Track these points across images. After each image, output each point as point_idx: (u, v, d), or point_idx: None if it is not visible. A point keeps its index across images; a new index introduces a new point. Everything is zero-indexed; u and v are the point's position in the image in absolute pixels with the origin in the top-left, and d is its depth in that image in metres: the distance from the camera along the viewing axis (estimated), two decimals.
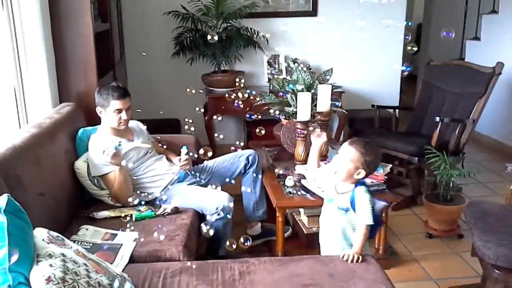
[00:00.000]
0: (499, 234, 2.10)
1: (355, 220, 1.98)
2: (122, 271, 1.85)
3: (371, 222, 1.94)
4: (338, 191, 2.03)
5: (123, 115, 2.55)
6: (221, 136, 2.42)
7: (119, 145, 2.49)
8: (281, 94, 3.16)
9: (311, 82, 3.10)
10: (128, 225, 2.21)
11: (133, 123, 2.78)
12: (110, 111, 2.53)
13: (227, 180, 2.63)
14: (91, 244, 2.10)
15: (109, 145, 2.44)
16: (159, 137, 3.00)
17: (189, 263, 1.95)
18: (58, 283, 1.37)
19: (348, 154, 1.96)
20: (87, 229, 2.25)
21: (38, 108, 2.73)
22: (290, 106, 3.10)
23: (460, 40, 5.84)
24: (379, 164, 2.14)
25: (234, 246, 1.79)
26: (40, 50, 2.67)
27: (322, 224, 2.13)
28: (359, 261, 1.90)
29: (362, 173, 1.96)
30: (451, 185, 3.05)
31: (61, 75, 2.91)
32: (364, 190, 1.98)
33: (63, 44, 2.89)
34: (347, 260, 1.91)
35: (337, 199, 2.02)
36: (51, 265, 1.42)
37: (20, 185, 1.95)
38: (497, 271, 2.02)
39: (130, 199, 2.32)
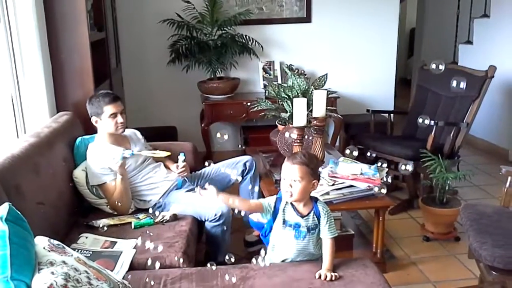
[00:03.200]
0: (495, 235, 2.13)
1: (317, 237, 1.97)
2: (123, 278, 1.86)
3: (336, 234, 1.96)
4: (302, 213, 1.94)
5: (119, 119, 2.56)
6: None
7: (132, 154, 2.49)
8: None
9: (306, 87, 3.13)
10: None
11: (129, 132, 2.80)
12: (105, 117, 2.54)
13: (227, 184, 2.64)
14: (91, 252, 2.11)
15: (117, 154, 2.45)
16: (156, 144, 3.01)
17: (189, 269, 1.96)
18: None
19: (296, 174, 1.88)
20: (86, 237, 2.25)
21: (36, 117, 2.74)
22: (286, 112, 3.13)
23: (452, 44, 5.90)
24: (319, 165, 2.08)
25: (233, 260, 1.87)
26: (37, 60, 2.68)
27: (284, 252, 2.01)
28: (337, 278, 1.87)
29: (316, 182, 1.93)
30: (447, 188, 3.08)
31: (58, 84, 2.92)
32: (323, 203, 1.99)
33: (60, 53, 2.91)
34: (325, 279, 1.86)
35: (304, 222, 1.93)
36: (52, 273, 1.43)
37: (19, 194, 1.95)
38: (494, 272, 2.04)
39: (132, 207, 2.33)
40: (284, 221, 1.95)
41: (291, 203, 1.95)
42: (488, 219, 2.29)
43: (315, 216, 1.94)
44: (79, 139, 2.69)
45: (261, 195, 2.91)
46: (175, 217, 2.46)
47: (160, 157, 2.61)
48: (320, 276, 1.87)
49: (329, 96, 3.07)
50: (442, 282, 2.68)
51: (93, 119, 2.59)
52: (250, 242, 2.96)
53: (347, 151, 2.75)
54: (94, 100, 2.57)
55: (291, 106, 3.04)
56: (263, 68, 4.61)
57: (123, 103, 2.89)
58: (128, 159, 2.54)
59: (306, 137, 2.65)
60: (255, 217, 2.20)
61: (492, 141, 4.99)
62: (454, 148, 3.55)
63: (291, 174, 1.88)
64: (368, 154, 3.09)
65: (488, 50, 4.91)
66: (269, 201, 1.99)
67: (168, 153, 2.57)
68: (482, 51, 5.02)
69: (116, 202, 2.51)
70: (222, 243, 2.55)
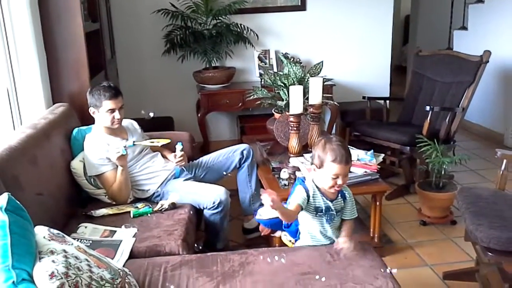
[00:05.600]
0: (491, 217, 2.15)
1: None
2: (123, 266, 1.87)
3: (356, 215, 2.04)
4: (331, 198, 1.98)
5: (116, 115, 2.56)
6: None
7: (133, 144, 2.51)
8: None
9: (302, 75, 3.13)
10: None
11: (127, 122, 2.80)
12: (103, 111, 2.54)
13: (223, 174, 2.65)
14: (90, 241, 2.12)
15: (119, 145, 2.46)
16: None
17: (188, 256, 1.98)
18: (62, 278, 1.39)
19: (347, 171, 1.92)
20: (86, 227, 2.26)
21: (32, 109, 2.73)
22: (282, 100, 3.14)
23: (447, 30, 5.90)
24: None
25: None
26: (31, 51, 2.67)
27: (322, 239, 2.03)
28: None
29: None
30: (443, 172, 3.10)
31: (54, 75, 2.91)
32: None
33: (55, 44, 2.90)
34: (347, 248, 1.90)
35: (333, 205, 1.97)
36: (53, 261, 1.44)
37: (18, 186, 1.96)
38: (490, 254, 2.07)
39: (131, 197, 2.34)
40: (316, 208, 1.96)
41: (319, 190, 1.96)
42: (484, 202, 2.31)
43: (341, 198, 2.00)
44: (76, 130, 2.69)
45: (258, 183, 2.93)
46: (173, 206, 2.47)
47: (160, 145, 2.62)
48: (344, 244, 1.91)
49: (325, 83, 3.09)
50: (439, 265, 2.71)
51: (91, 110, 2.58)
52: (248, 229, 2.99)
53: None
54: (95, 91, 2.55)
55: (287, 94, 3.05)
56: (259, 57, 4.60)
57: None
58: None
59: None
60: (265, 215, 2.20)
61: (487, 126, 5.01)
62: (450, 133, 3.57)
63: (343, 172, 1.89)
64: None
65: (483, 36, 4.92)
66: (301, 197, 1.94)
67: (168, 140, 2.61)
68: (477, 36, 5.03)
69: (115, 193, 2.52)
70: (221, 230, 2.57)
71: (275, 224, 2.18)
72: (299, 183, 2.00)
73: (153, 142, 2.61)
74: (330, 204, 1.97)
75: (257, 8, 4.57)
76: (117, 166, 2.50)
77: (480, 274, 2.41)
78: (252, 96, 3.33)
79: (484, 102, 4.81)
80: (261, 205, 2.92)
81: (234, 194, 2.84)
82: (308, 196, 1.94)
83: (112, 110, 2.54)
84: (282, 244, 2.62)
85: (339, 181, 1.90)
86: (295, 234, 2.13)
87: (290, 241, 2.19)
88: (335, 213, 1.99)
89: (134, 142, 2.54)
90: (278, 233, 2.32)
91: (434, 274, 2.64)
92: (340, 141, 1.92)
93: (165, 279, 1.82)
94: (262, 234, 2.39)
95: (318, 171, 1.93)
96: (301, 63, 4.43)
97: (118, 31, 4.36)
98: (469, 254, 2.77)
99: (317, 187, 1.97)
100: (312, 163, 1.97)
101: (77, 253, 1.56)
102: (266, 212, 2.17)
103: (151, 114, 2.46)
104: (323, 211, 1.97)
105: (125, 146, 2.46)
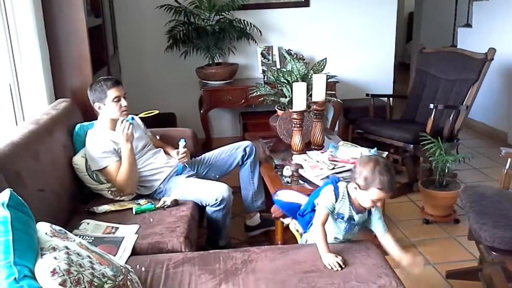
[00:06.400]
0: (495, 216, 2.13)
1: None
2: (125, 263, 1.87)
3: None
4: (359, 210, 1.93)
5: (123, 102, 2.55)
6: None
7: (133, 118, 2.52)
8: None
9: (306, 72, 3.11)
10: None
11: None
12: (109, 101, 2.52)
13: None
14: (93, 238, 2.11)
15: (120, 122, 2.46)
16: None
17: (191, 253, 1.97)
18: (63, 275, 1.38)
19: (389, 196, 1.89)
20: (88, 223, 2.26)
21: (34, 104, 2.73)
22: (285, 96, 3.12)
23: (451, 27, 5.87)
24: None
25: None
26: (34, 47, 2.66)
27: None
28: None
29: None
30: (446, 171, 3.09)
31: (56, 71, 2.90)
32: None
33: (57, 40, 2.89)
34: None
35: (357, 217, 1.94)
36: (55, 258, 1.43)
37: (20, 181, 1.95)
38: (494, 253, 2.05)
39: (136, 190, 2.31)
40: (338, 214, 1.92)
41: (350, 198, 1.91)
42: (488, 201, 2.30)
43: (366, 211, 1.95)
44: (78, 125, 2.68)
45: (261, 181, 2.92)
46: (176, 203, 2.46)
47: (152, 115, 2.67)
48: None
49: (328, 80, 3.06)
50: (442, 263, 2.70)
51: (96, 105, 2.56)
52: (251, 227, 2.98)
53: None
54: (95, 86, 2.54)
55: (290, 91, 3.03)
56: (262, 53, 4.58)
57: None
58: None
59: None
60: (285, 197, 2.18)
61: (491, 124, 4.99)
62: (453, 131, 3.55)
63: (385, 198, 1.88)
64: None
65: (487, 33, 4.89)
66: (330, 201, 1.90)
67: (157, 111, 2.69)
68: (481, 34, 5.00)
69: (124, 180, 2.49)
70: (223, 227, 2.56)
71: (291, 209, 2.16)
72: (332, 183, 1.94)
73: (147, 113, 2.66)
74: (354, 215, 1.92)
75: (260, 4, 4.55)
76: (120, 158, 2.48)
77: (484, 273, 2.40)
78: (255, 93, 3.32)
79: (488, 100, 4.78)
80: (263, 203, 2.95)
81: (236, 191, 2.83)
82: (336, 200, 1.90)
83: (118, 98, 2.53)
84: (284, 242, 2.63)
85: (378, 203, 1.89)
86: (306, 225, 2.09)
87: (298, 230, 2.15)
88: (356, 224, 1.95)
89: (133, 117, 2.55)
90: (287, 220, 2.28)
91: (437, 273, 2.62)
92: (388, 166, 1.83)
93: (168, 276, 1.81)
94: (273, 216, 2.35)
95: (360, 191, 1.85)
96: (304, 59, 4.41)
97: (121, 26, 4.35)
98: (472, 253, 2.76)
99: (348, 194, 1.91)
100: (355, 182, 1.85)
101: (79, 249, 1.55)
102: (286, 195, 2.15)
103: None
104: (345, 219, 1.93)
105: (126, 121, 2.47)
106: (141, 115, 2.69)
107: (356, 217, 1.93)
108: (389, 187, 1.81)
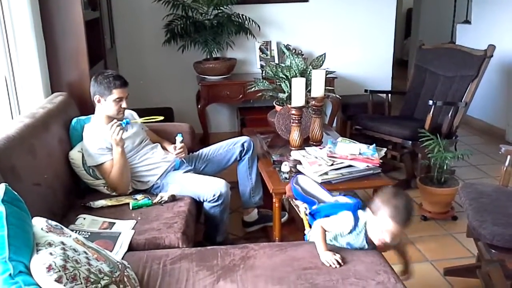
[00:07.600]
0: (494, 214, 2.13)
1: None
2: (122, 258, 1.85)
3: None
4: (372, 245, 1.89)
5: (123, 104, 2.51)
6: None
7: (127, 123, 2.48)
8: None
9: (305, 67, 3.09)
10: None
11: (127, 113, 2.74)
12: (110, 99, 2.48)
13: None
14: (89, 233, 2.09)
15: (113, 124, 2.41)
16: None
17: (188, 249, 1.95)
18: (59, 271, 1.36)
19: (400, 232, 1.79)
20: (84, 219, 2.24)
21: (30, 98, 2.70)
22: (284, 92, 3.10)
23: (450, 23, 5.86)
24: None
25: None
26: (30, 40, 2.63)
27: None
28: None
29: None
30: (445, 167, 3.08)
31: (52, 64, 2.87)
32: None
33: (54, 33, 2.85)
34: None
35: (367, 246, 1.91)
36: (51, 254, 1.41)
37: (15, 176, 1.93)
38: (493, 251, 2.05)
39: (130, 188, 2.30)
40: (348, 243, 1.90)
41: (366, 231, 1.84)
42: (488, 198, 2.29)
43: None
44: (74, 120, 2.65)
45: (259, 176, 2.90)
46: (173, 198, 2.45)
47: (155, 121, 2.62)
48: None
49: (327, 76, 3.04)
50: (440, 260, 2.69)
51: (96, 98, 2.50)
52: (248, 223, 2.97)
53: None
54: (102, 79, 2.47)
55: (289, 86, 3.01)
56: (260, 48, 4.55)
57: None
58: (125, 140, 2.51)
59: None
60: (304, 183, 2.16)
61: (489, 121, 4.99)
62: (452, 128, 3.54)
63: (396, 232, 1.75)
64: None
65: (486, 30, 4.87)
66: (346, 230, 1.85)
67: (161, 117, 2.61)
68: (480, 30, 4.99)
69: (116, 180, 2.48)
70: (221, 223, 2.54)
71: (304, 201, 2.13)
72: (352, 211, 1.85)
73: (148, 119, 2.60)
74: (366, 246, 1.88)
75: None
76: None
77: (482, 270, 2.39)
78: (253, 88, 3.29)
79: (486, 97, 4.78)
80: (261, 198, 2.93)
81: (234, 187, 2.82)
82: (351, 232, 1.85)
83: (120, 99, 2.49)
84: (282, 238, 2.61)
85: (387, 239, 1.76)
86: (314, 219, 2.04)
87: (307, 215, 2.09)
88: (358, 248, 1.92)
89: (128, 120, 2.52)
90: (299, 202, 2.23)
91: (434, 270, 2.62)
92: (409, 201, 1.74)
93: (165, 272, 1.80)
94: (287, 195, 2.36)
95: (371, 217, 1.78)
96: (302, 55, 4.39)
97: (118, 20, 4.31)
98: (470, 250, 2.76)
99: (366, 228, 1.84)
100: (370, 206, 1.80)
101: (76, 245, 1.53)
102: (306, 183, 2.14)
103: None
104: (351, 246, 1.91)
105: (121, 124, 2.43)
106: (143, 119, 2.63)
107: (366, 247, 1.89)
108: (400, 219, 1.70)
